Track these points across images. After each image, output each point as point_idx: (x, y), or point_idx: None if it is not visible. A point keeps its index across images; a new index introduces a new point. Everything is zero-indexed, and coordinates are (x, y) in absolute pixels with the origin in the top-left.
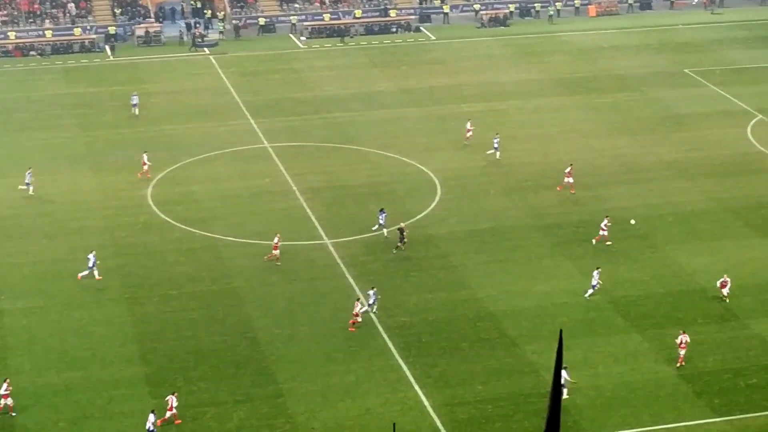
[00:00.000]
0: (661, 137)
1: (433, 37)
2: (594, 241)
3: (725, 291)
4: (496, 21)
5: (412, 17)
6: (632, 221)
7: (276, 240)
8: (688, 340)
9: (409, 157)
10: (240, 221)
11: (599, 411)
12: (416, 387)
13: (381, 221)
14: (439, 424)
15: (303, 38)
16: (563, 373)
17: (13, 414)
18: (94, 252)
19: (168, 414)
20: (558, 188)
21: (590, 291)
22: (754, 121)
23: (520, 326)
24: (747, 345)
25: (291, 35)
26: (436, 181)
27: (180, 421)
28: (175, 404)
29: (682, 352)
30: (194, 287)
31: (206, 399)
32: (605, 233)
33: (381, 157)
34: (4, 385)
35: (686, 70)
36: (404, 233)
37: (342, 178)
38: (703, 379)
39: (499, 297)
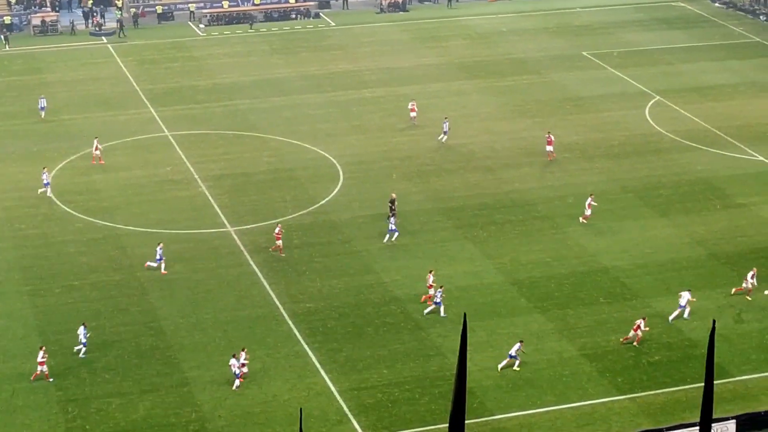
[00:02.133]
0: (561, 119)
1: (333, 23)
2: (582, 219)
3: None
4: (395, 6)
5: (312, 3)
6: None
7: (277, 230)
8: (643, 326)
9: (310, 144)
10: (142, 210)
11: (504, 392)
12: (322, 372)
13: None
14: (345, 408)
15: (202, 26)
16: (516, 345)
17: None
18: (161, 244)
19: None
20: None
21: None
22: (651, 102)
23: (421, 309)
24: (649, 323)
25: (190, 23)
26: (339, 167)
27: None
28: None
29: (632, 333)
30: (97, 277)
31: (111, 389)
32: (588, 212)
33: (283, 143)
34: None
35: (584, 53)
36: (394, 204)
37: (244, 166)
38: (606, 357)
39: (404, 281)
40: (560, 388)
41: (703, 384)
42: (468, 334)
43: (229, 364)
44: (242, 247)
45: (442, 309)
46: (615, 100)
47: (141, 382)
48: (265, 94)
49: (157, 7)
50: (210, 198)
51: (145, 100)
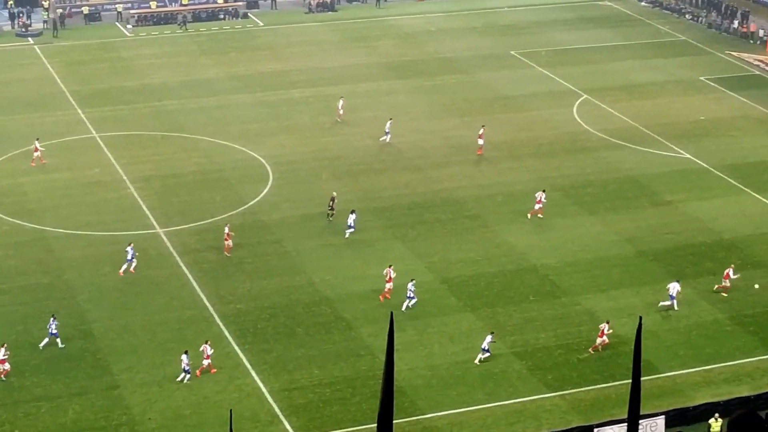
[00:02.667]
0: (490, 118)
1: (261, 23)
2: (535, 215)
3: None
4: (323, 6)
5: (240, 3)
6: (756, 286)
7: (227, 230)
8: (608, 330)
9: (240, 144)
10: (70, 212)
11: (435, 391)
12: (253, 373)
13: (350, 223)
14: (276, 409)
15: (129, 26)
16: (488, 337)
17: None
18: (132, 244)
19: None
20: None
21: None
22: (579, 100)
23: (355, 309)
24: (578, 321)
25: (117, 23)
26: (268, 167)
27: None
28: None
29: (599, 340)
30: (25, 280)
31: (40, 393)
32: (541, 206)
33: (212, 144)
34: (2, 350)
35: (512, 52)
36: (334, 202)
37: (173, 167)
38: (536, 355)
39: (334, 281)
40: (490, 386)
41: (631, 380)
42: (397, 334)
43: (181, 358)
44: (172, 249)
45: (412, 302)
46: (543, 99)
47: (70, 386)
48: (193, 95)
49: (83, 8)
50: (139, 199)
51: (72, 101)
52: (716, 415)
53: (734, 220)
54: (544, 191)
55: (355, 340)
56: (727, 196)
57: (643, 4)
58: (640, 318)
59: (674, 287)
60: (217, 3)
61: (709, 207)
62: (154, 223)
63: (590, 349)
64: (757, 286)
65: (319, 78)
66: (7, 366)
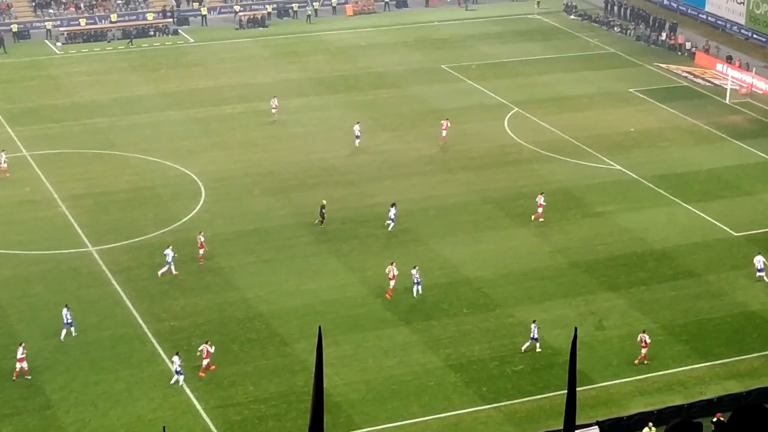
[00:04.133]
0: (422, 132)
1: (192, 40)
2: (533, 217)
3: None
4: (254, 22)
5: (170, 20)
6: None
7: (201, 238)
8: (648, 340)
9: (171, 161)
10: (0, 231)
11: (371, 405)
12: (187, 391)
13: (392, 216)
14: (212, 426)
15: (59, 44)
16: (533, 326)
17: (28, 377)
18: (170, 246)
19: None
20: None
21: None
22: (510, 113)
23: (290, 325)
24: (512, 332)
25: (47, 41)
26: (200, 184)
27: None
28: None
29: (644, 350)
30: None
31: None
32: (540, 210)
33: (143, 161)
34: (20, 349)
35: (443, 66)
36: (324, 209)
37: (104, 184)
38: (471, 367)
39: (268, 297)
40: (426, 399)
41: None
42: (332, 348)
43: (172, 360)
44: (104, 267)
45: (419, 288)
46: (474, 112)
47: (2, 406)
48: (124, 112)
49: (12, 26)
50: (70, 218)
51: (1, 119)
52: (650, 423)
53: (665, 230)
54: (542, 194)
55: (289, 355)
56: (658, 206)
57: (572, 17)
58: (576, 329)
59: (760, 259)
60: (147, 20)
61: (640, 218)
62: (86, 241)
63: (636, 361)
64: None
65: (250, 94)
66: (25, 365)
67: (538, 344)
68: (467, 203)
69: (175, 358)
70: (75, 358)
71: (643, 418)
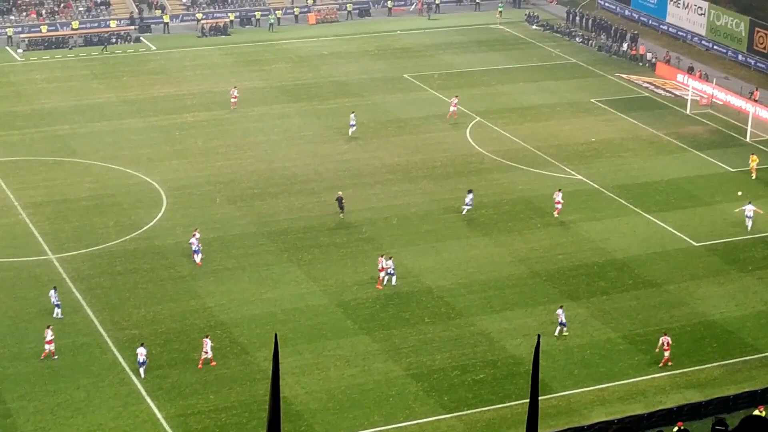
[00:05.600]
0: (384, 141)
1: (154, 47)
2: (555, 213)
3: None
4: (216, 30)
5: (132, 28)
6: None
7: (198, 235)
8: (670, 341)
9: (132, 169)
10: None
11: (332, 414)
12: (148, 400)
13: (468, 202)
14: None
15: (20, 51)
16: (560, 311)
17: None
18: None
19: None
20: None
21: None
22: (472, 123)
23: (251, 334)
24: (473, 341)
25: (8, 48)
26: (162, 192)
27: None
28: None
29: (667, 353)
30: None
31: None
32: (559, 206)
33: (104, 169)
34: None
35: (406, 75)
36: (342, 201)
37: (65, 192)
38: (432, 376)
39: (229, 305)
40: (387, 408)
41: (527, 400)
42: (293, 357)
43: (137, 352)
44: (65, 275)
45: (394, 279)
46: (436, 122)
47: None
48: (85, 119)
49: None
50: (30, 225)
51: None
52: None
53: (625, 239)
54: (560, 190)
55: (250, 364)
56: (618, 216)
57: (533, 27)
58: (539, 336)
59: (750, 208)
60: (109, 27)
61: (601, 227)
62: (47, 249)
63: (661, 365)
64: (740, 192)
65: (212, 102)
66: (53, 347)
67: (565, 329)
68: (429, 212)
69: (141, 349)
70: (34, 366)
71: (603, 428)
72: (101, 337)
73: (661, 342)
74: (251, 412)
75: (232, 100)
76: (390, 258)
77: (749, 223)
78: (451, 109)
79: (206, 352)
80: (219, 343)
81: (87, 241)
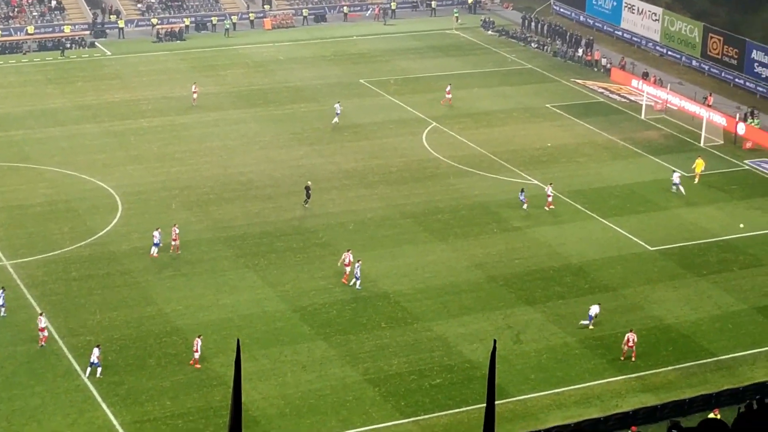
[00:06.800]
0: (340, 146)
1: (109, 53)
2: (546, 207)
3: None
4: (172, 35)
5: (87, 33)
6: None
7: (176, 230)
8: (635, 338)
9: (87, 174)
10: None
11: (289, 419)
12: (104, 406)
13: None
14: None
15: None
16: (594, 308)
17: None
18: (159, 229)
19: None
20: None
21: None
22: (428, 128)
23: (207, 339)
24: (430, 347)
25: None
26: (117, 198)
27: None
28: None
29: (630, 349)
30: None
31: None
32: (550, 198)
33: (59, 174)
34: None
35: (362, 81)
36: (309, 191)
37: (19, 198)
38: (389, 381)
39: (185, 311)
40: (344, 413)
41: (484, 405)
42: (250, 363)
43: (93, 351)
44: (19, 281)
45: (358, 282)
46: (392, 127)
47: None
48: (39, 125)
49: None
50: None
51: None
52: None
53: (581, 244)
54: (551, 184)
55: (207, 370)
56: (574, 221)
57: (489, 33)
58: (495, 341)
59: (676, 175)
60: (63, 32)
61: (557, 232)
62: (1, 255)
63: (623, 358)
64: (742, 225)
65: (167, 107)
66: (46, 333)
67: (591, 324)
68: (385, 217)
69: (95, 350)
70: None
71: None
72: (56, 344)
73: (626, 338)
74: (207, 418)
75: (194, 95)
76: (359, 261)
77: (681, 189)
78: (447, 96)
79: (196, 351)
80: (175, 349)
81: (42, 246)
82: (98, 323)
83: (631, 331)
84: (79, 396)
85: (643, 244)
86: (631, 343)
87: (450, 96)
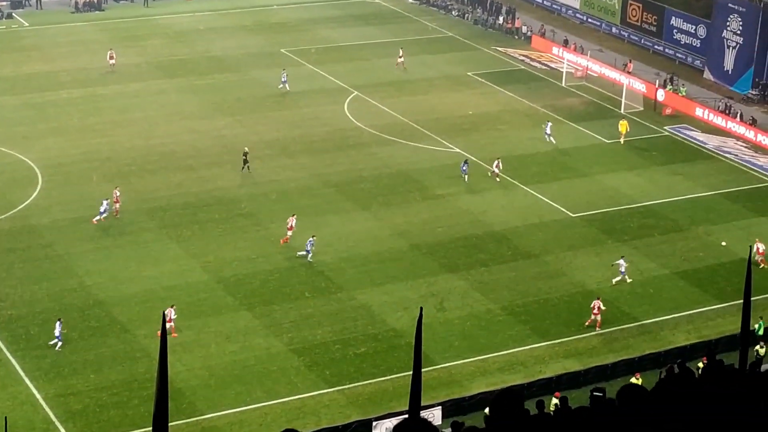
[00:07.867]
0: (262, 116)
1: (27, 24)
2: (490, 174)
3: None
4: (90, 6)
5: (4, 4)
6: (723, 243)
7: (117, 192)
8: (601, 305)
9: (6, 147)
10: None
11: (213, 390)
12: (27, 380)
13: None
14: (52, 416)
15: None
16: (621, 261)
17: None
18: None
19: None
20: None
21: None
22: (350, 97)
23: (131, 312)
24: (354, 315)
25: None
26: (37, 170)
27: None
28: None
29: (598, 317)
30: None
31: None
32: (497, 170)
33: None
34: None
35: (283, 50)
36: (247, 156)
37: None
38: (313, 351)
39: (108, 284)
40: (269, 383)
41: (409, 372)
42: (169, 334)
43: (55, 325)
44: None
45: (309, 256)
46: (314, 96)
47: None
48: None
49: None
50: None
51: None
52: None
53: (503, 212)
54: (499, 159)
55: (130, 342)
56: (496, 189)
57: (410, 1)
58: (421, 309)
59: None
60: None
61: (479, 200)
62: None
63: (587, 324)
64: (724, 243)
65: (87, 78)
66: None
67: (627, 277)
68: (308, 187)
69: (57, 324)
70: None
71: (484, 398)
72: None
73: (592, 305)
74: (132, 390)
75: (110, 62)
76: (313, 236)
77: (551, 139)
78: (399, 60)
79: (169, 321)
80: (98, 322)
81: None
82: (20, 297)
83: (598, 298)
84: (1, 370)
85: (565, 210)
86: (596, 310)
87: (402, 59)
